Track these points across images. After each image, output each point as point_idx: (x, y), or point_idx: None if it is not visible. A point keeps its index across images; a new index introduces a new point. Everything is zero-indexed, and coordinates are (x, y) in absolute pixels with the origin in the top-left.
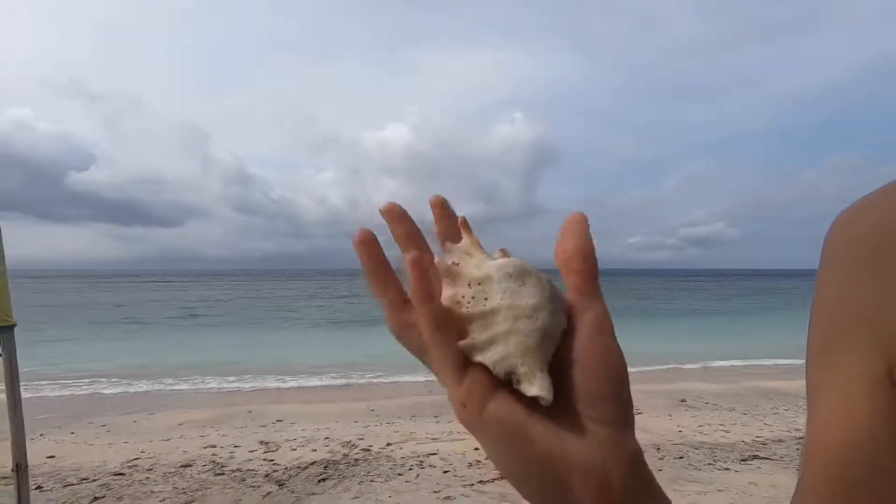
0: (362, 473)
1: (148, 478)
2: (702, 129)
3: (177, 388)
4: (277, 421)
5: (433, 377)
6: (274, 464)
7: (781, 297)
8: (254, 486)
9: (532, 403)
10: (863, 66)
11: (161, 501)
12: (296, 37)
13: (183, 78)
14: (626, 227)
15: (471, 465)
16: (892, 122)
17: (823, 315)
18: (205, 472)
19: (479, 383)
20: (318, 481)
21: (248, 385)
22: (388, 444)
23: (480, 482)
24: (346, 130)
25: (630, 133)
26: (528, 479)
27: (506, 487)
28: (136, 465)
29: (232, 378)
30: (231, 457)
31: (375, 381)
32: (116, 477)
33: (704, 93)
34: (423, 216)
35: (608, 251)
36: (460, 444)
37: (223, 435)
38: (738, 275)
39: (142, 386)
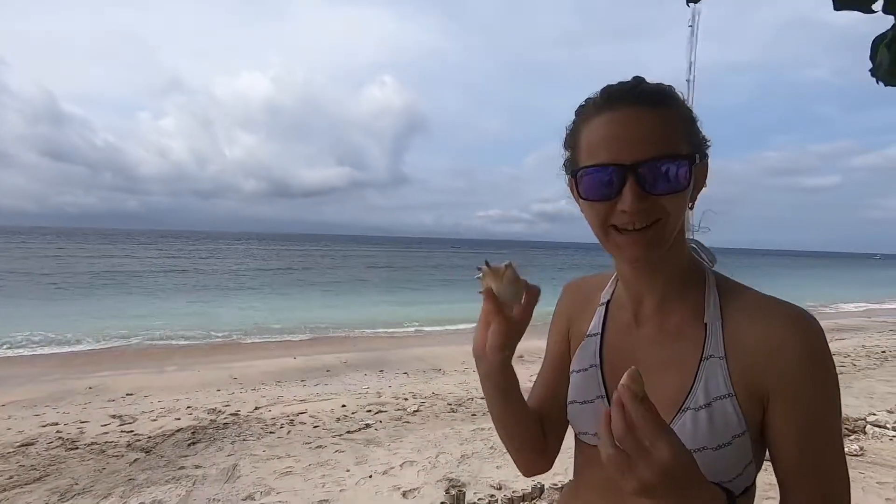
0: (234, 435)
1: None
2: (562, 114)
3: None
4: (127, 395)
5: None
6: (135, 434)
7: (599, 266)
8: (117, 456)
9: None
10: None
11: (8, 479)
12: None
13: None
14: (488, 201)
15: (339, 419)
16: (708, 124)
17: (556, 315)
18: (53, 448)
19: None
20: (188, 445)
21: (75, 354)
22: (257, 408)
23: (348, 432)
24: (194, 74)
25: (500, 111)
26: None
27: (370, 434)
28: None
29: (49, 349)
30: (81, 432)
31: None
32: None
33: (568, 82)
34: (286, 175)
35: (469, 223)
36: (328, 403)
37: (63, 413)
38: (579, 248)
39: None
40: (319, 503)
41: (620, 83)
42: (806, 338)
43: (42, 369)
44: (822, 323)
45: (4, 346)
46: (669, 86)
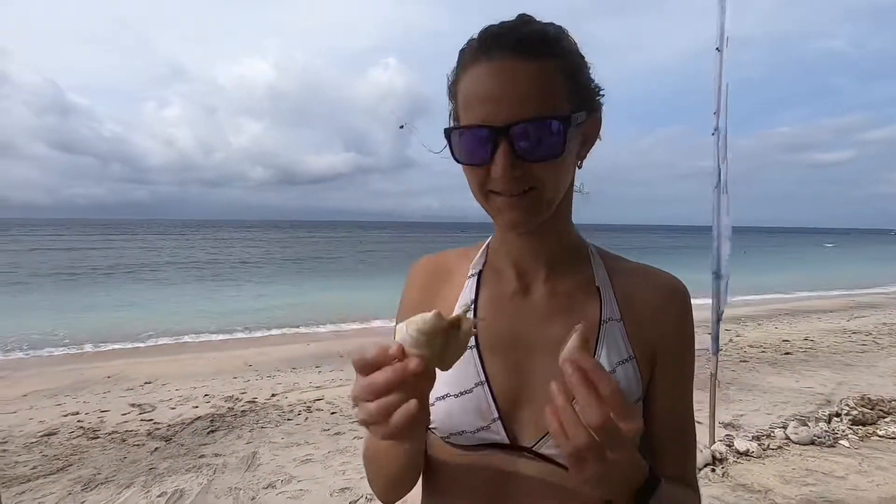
0: (252, 422)
1: (6, 450)
2: None
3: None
4: (146, 384)
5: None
6: (154, 423)
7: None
8: (138, 445)
9: None
10: (687, 51)
11: (32, 469)
12: None
13: None
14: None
15: (356, 406)
16: (705, 102)
17: (405, 308)
18: (74, 437)
19: None
20: (208, 433)
21: (91, 350)
22: (273, 395)
23: None
24: (196, 61)
25: None
26: None
27: None
28: None
29: (67, 347)
30: (101, 421)
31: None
32: None
33: None
34: (291, 161)
35: (476, 206)
36: (344, 390)
37: (84, 402)
38: (596, 228)
39: None
40: (341, 490)
41: (501, 24)
42: (683, 300)
43: (60, 358)
44: (843, 301)
45: (21, 339)
46: (558, 28)
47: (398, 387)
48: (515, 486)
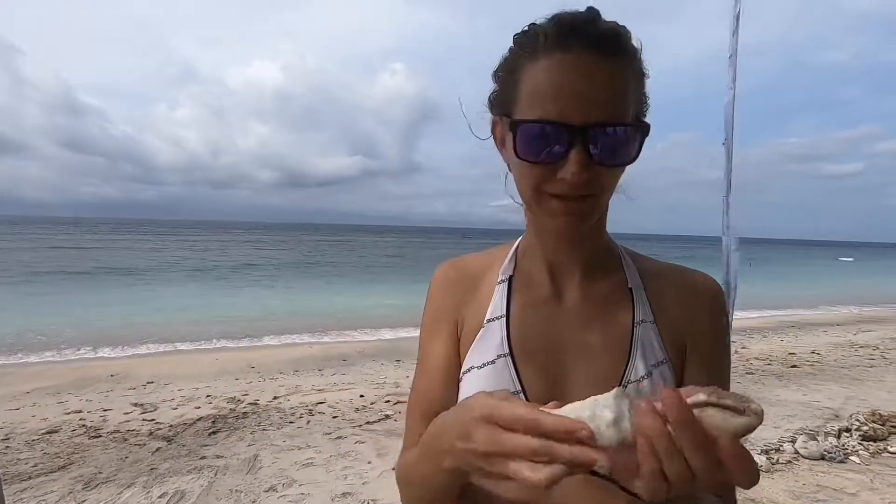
0: (253, 424)
1: (8, 447)
2: None
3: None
4: (148, 383)
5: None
6: (156, 423)
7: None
8: (139, 445)
9: None
10: (699, 58)
11: (33, 467)
12: None
13: None
14: (499, 191)
15: (358, 409)
16: (717, 108)
17: (434, 318)
18: (76, 436)
19: None
20: (209, 434)
21: (94, 353)
22: (276, 398)
23: (368, 423)
24: (207, 63)
25: None
26: None
27: (391, 425)
28: None
29: (72, 345)
30: (104, 420)
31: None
32: None
33: None
34: (302, 164)
35: (482, 211)
36: (346, 393)
37: (86, 400)
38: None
39: None
40: (343, 496)
41: (575, 14)
42: (715, 298)
43: (65, 356)
44: (847, 315)
45: (26, 335)
46: (626, 28)
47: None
48: (553, 498)
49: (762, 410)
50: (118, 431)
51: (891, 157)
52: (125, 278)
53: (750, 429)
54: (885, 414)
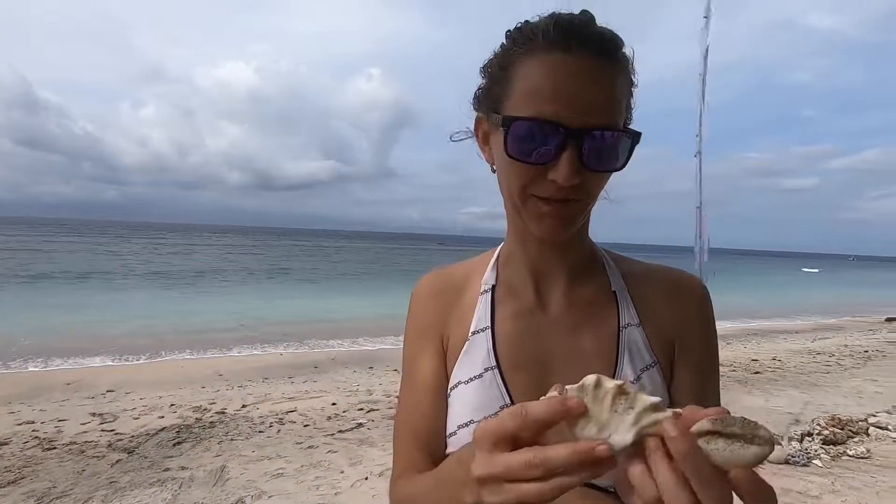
0: (221, 434)
1: None
2: None
3: None
4: (108, 392)
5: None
6: (116, 433)
7: None
8: (97, 457)
9: None
10: (670, 74)
11: None
12: None
13: None
14: (475, 196)
15: (329, 418)
16: (688, 123)
17: (417, 330)
18: (28, 448)
19: None
20: (173, 445)
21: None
22: (244, 406)
23: (340, 431)
24: (175, 62)
25: None
26: None
27: (363, 434)
28: None
29: (24, 352)
30: (59, 431)
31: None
32: None
33: None
34: (274, 167)
35: (455, 218)
36: (318, 401)
37: (40, 410)
38: None
39: None
40: None
41: (572, 16)
42: (700, 296)
43: (16, 364)
44: (806, 324)
45: None
46: (618, 34)
47: (575, 472)
48: None
49: (772, 437)
50: (75, 443)
51: (844, 173)
52: (83, 282)
53: (761, 459)
54: (844, 418)
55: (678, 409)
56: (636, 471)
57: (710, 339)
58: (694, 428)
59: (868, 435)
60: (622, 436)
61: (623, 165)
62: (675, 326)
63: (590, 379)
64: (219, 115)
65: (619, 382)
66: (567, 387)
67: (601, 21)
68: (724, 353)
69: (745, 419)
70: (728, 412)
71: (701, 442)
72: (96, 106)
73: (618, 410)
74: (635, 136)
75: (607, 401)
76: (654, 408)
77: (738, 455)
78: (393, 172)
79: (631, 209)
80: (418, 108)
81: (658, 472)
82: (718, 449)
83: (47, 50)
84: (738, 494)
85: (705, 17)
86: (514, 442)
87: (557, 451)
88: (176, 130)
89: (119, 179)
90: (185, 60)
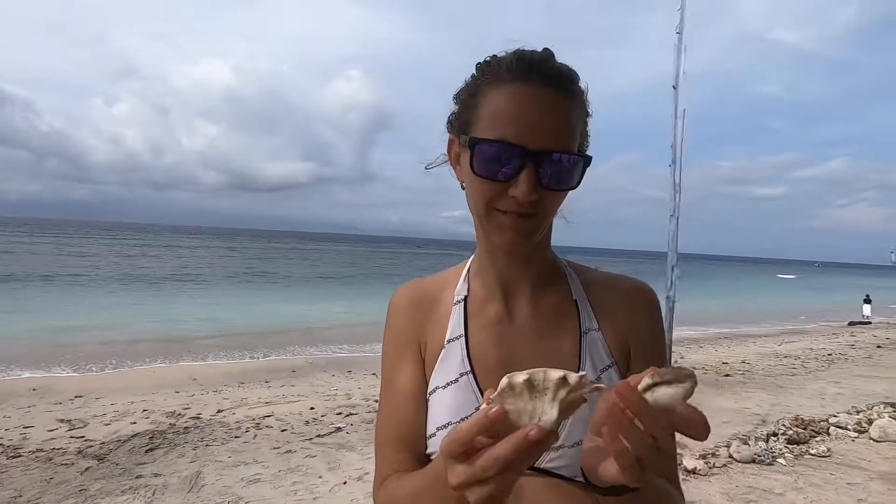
0: (196, 439)
1: None
2: None
3: None
4: (76, 397)
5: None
6: (86, 440)
7: None
8: (66, 464)
9: None
10: (645, 82)
11: None
12: None
13: None
14: (454, 201)
15: (307, 422)
16: (662, 130)
17: (395, 341)
18: None
19: None
20: (146, 451)
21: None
22: (220, 411)
23: (318, 436)
24: (151, 58)
25: None
26: None
27: (342, 438)
28: None
29: None
30: (24, 438)
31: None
32: None
33: None
34: (252, 168)
35: (434, 222)
36: (296, 406)
37: (4, 417)
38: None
39: None
40: None
41: (534, 53)
42: (650, 300)
43: None
44: (774, 328)
45: None
46: (574, 70)
47: (524, 458)
48: (521, 502)
49: (694, 372)
50: (42, 450)
51: (811, 182)
52: (46, 284)
53: (691, 391)
54: (807, 419)
55: (599, 384)
56: (607, 438)
57: (660, 337)
58: (640, 386)
59: (829, 434)
60: (549, 415)
61: (576, 185)
62: (631, 329)
63: (503, 382)
64: (196, 113)
65: (560, 375)
66: (492, 396)
67: (569, 35)
68: (697, 356)
69: (673, 367)
70: (657, 369)
71: (647, 395)
72: (66, 101)
73: (536, 397)
74: (587, 160)
75: (525, 393)
76: (563, 381)
77: (678, 392)
78: (372, 175)
79: (608, 214)
80: (397, 111)
81: (621, 430)
82: (662, 395)
83: (12, 41)
84: (684, 424)
85: (678, 32)
86: (472, 449)
87: (503, 448)
88: (150, 129)
89: (89, 178)
90: (161, 57)
